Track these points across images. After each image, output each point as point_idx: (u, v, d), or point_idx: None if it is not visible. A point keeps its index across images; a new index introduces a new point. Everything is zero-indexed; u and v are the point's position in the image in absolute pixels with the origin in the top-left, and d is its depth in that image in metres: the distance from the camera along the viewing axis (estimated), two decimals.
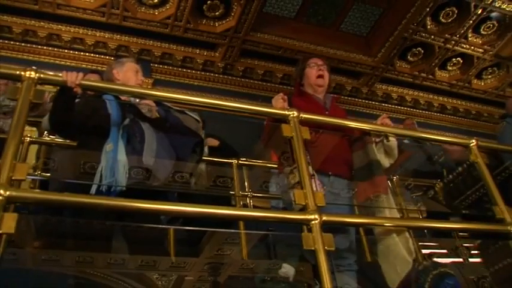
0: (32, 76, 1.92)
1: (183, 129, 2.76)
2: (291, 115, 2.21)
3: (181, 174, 2.80)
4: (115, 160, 2.37)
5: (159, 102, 2.73)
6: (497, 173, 3.76)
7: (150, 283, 2.96)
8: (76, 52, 5.93)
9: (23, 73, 1.91)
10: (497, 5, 6.32)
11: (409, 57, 7.08)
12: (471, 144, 2.86)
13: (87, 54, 5.98)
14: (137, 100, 2.66)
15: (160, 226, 2.37)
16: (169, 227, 2.54)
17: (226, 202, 3.79)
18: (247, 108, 2.28)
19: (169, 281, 3.01)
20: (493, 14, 6.53)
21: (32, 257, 2.55)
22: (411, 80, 7.36)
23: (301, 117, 2.24)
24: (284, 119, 2.22)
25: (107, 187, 2.30)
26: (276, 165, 3.11)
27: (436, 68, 7.31)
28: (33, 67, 1.97)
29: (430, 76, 7.37)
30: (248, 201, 4.03)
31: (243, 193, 3.90)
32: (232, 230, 2.87)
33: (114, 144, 2.41)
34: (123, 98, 2.64)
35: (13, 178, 1.61)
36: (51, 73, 2.10)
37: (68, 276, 2.70)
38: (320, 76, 3.09)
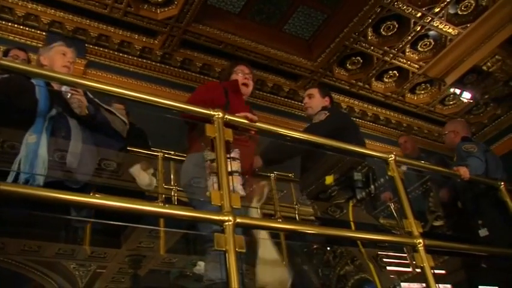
0: None
1: (110, 131, 2.73)
2: (216, 116, 2.30)
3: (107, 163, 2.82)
4: (35, 154, 2.33)
5: (90, 99, 2.70)
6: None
7: (66, 273, 2.93)
8: (3, 22, 5.70)
9: None
10: (435, 25, 6.71)
11: (347, 65, 7.35)
12: (389, 159, 3.06)
13: (15, 26, 5.71)
14: (68, 95, 2.59)
15: (74, 217, 2.39)
16: (85, 219, 2.54)
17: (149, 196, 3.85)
18: (173, 105, 2.34)
19: (88, 272, 2.99)
20: (431, 33, 6.92)
21: None
22: (348, 87, 7.64)
23: (226, 118, 2.33)
24: (208, 119, 2.30)
25: (24, 180, 2.28)
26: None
27: (373, 79, 7.64)
28: None
29: (367, 86, 7.68)
30: (173, 196, 4.09)
31: (167, 187, 3.97)
32: (145, 226, 2.91)
33: (37, 136, 2.36)
34: (55, 86, 2.58)
35: None
36: None
37: None
38: (245, 84, 3.26)
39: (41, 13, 5.83)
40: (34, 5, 5.78)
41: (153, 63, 6.57)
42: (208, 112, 2.33)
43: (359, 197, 3.22)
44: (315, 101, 3.79)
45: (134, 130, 3.92)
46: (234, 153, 2.68)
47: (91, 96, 2.77)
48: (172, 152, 4.16)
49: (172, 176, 4.14)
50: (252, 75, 3.39)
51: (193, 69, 6.80)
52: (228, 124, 2.38)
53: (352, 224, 3.12)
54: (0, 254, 2.62)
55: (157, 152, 4.08)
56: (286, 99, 7.44)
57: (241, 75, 3.29)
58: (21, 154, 2.33)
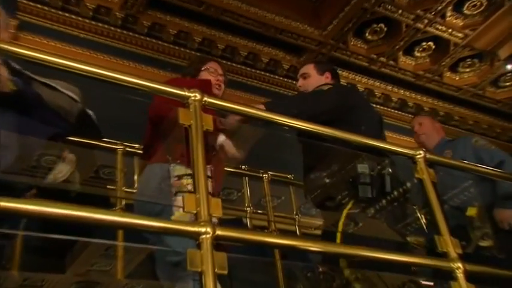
0: None
1: (48, 113, 2.75)
2: (192, 97, 2.32)
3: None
4: None
5: (18, 71, 2.67)
6: None
7: None
8: None
9: None
10: None
11: (367, 34, 7.38)
12: (418, 156, 3.08)
13: None
14: None
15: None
16: (12, 232, 2.55)
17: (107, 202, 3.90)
18: (137, 83, 2.35)
19: None
20: None
21: None
22: (366, 64, 7.69)
23: (205, 101, 2.36)
24: (182, 102, 2.33)
25: None
26: None
27: (400, 53, 7.68)
28: None
29: (392, 62, 7.72)
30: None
31: (128, 190, 4.01)
32: (99, 241, 2.94)
33: None
34: None
35: None
36: None
37: None
38: (217, 87, 3.46)
39: None
40: None
41: (112, 28, 6.54)
42: (182, 93, 2.33)
43: (364, 197, 3.24)
44: (311, 81, 3.83)
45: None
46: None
47: (18, 67, 2.75)
48: (136, 146, 4.19)
49: (136, 177, 4.17)
50: (226, 77, 3.57)
51: (166, 38, 6.79)
52: (207, 109, 2.39)
53: (338, 235, 3.16)
54: None
55: (116, 145, 4.11)
56: (285, 79, 7.45)
57: (214, 75, 3.45)
58: None
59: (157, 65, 6.45)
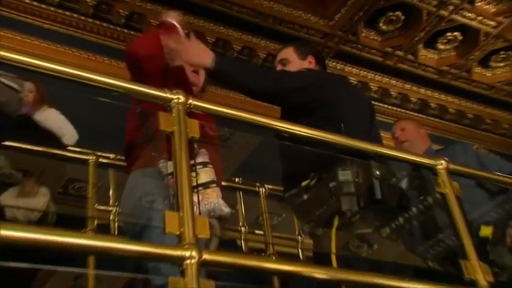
0: None
1: None
2: (175, 100, 2.34)
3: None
4: None
5: None
6: None
7: None
8: None
9: None
10: None
11: (381, 24, 7.40)
12: (439, 167, 3.09)
13: None
14: None
15: None
16: None
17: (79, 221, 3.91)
18: (108, 83, 2.34)
19: None
20: None
21: None
22: (381, 59, 7.72)
23: (190, 104, 2.37)
24: (163, 105, 2.33)
25: None
26: None
27: (421, 45, 7.71)
28: None
29: (410, 56, 7.76)
30: (112, 222, 4.14)
31: (102, 208, 4.02)
32: (67, 269, 2.94)
33: None
34: None
35: None
36: None
37: None
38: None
39: None
40: None
41: (82, 18, 6.57)
42: (162, 95, 2.35)
43: (349, 210, 3.18)
44: (291, 68, 3.78)
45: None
46: (202, 156, 2.74)
47: None
48: (111, 156, 4.20)
49: (111, 192, 4.18)
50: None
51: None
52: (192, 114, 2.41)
53: (333, 257, 3.14)
54: None
55: (87, 154, 4.11)
56: None
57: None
58: None
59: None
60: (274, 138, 3.06)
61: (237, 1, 6.72)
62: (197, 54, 3.10)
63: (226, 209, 2.81)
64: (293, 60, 3.68)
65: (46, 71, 2.20)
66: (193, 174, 2.58)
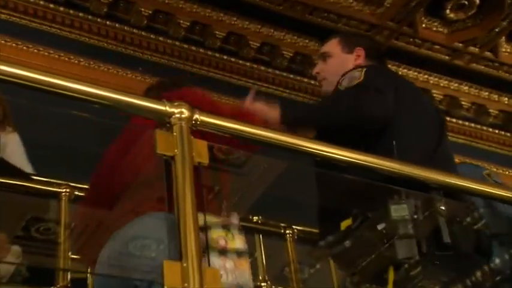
0: None
1: None
2: (177, 115, 2.40)
3: None
4: None
5: None
6: None
7: None
8: None
9: None
10: None
11: (448, 11, 7.44)
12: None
13: None
14: None
15: None
16: None
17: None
18: (89, 92, 2.31)
19: None
20: None
21: None
22: (447, 57, 7.78)
23: (197, 119, 2.47)
24: (162, 121, 2.41)
25: None
26: None
27: (503, 39, 7.76)
28: None
29: (488, 53, 7.79)
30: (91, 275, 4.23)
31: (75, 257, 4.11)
32: None
33: None
34: None
35: None
36: None
37: None
38: None
39: None
40: None
41: (92, 18, 6.75)
42: (160, 108, 2.41)
43: (406, 259, 3.09)
44: (333, 63, 3.82)
45: None
46: (236, 218, 2.87)
47: None
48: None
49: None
50: None
51: (136, 22, 6.98)
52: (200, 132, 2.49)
53: None
54: None
55: (58, 186, 4.23)
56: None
57: None
58: None
59: (122, 62, 6.63)
60: (305, 163, 3.15)
61: None
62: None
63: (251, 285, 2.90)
64: (335, 54, 3.79)
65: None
66: (224, 233, 2.74)
